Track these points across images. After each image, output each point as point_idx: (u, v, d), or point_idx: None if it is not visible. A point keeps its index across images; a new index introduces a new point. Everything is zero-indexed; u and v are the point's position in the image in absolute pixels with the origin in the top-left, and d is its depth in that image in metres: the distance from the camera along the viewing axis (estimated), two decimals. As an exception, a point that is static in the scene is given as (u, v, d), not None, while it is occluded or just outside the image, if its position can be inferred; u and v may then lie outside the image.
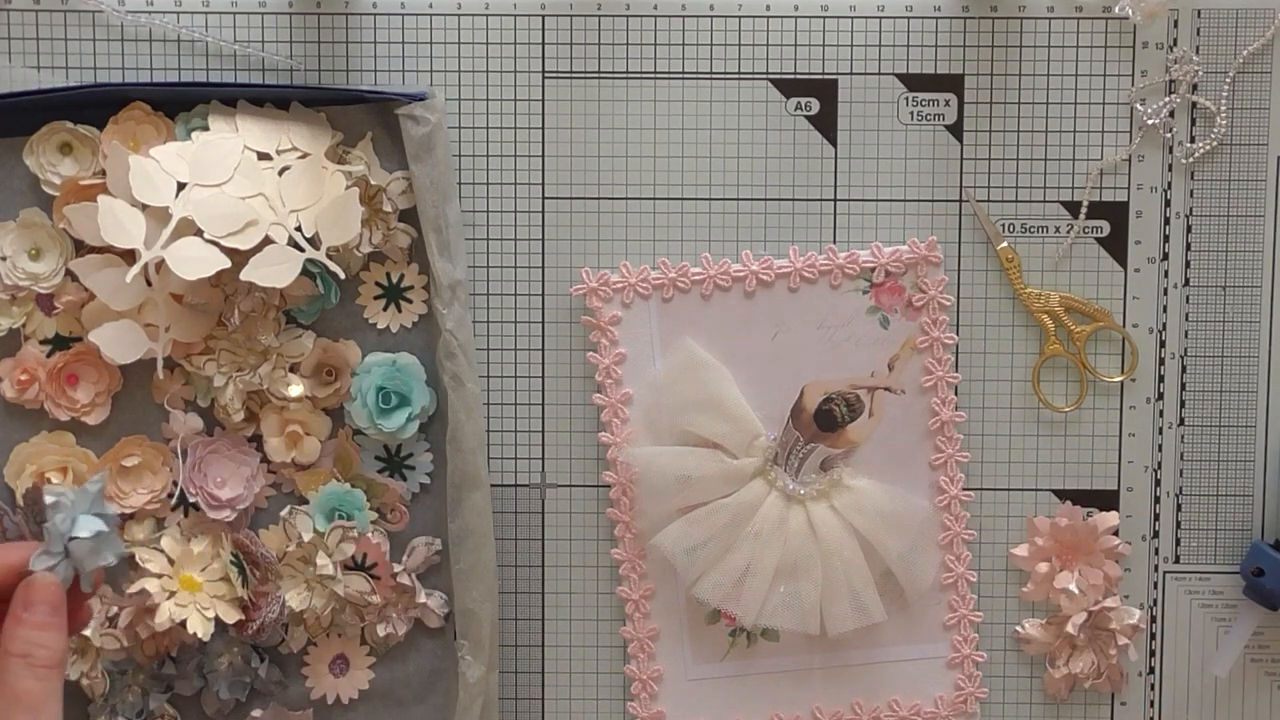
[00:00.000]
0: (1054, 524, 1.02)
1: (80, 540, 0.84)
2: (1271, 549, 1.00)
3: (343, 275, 0.96)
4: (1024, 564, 1.03)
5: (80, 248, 0.98)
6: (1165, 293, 1.02)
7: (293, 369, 0.99)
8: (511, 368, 1.02)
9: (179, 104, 0.98)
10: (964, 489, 1.02)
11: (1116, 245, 1.02)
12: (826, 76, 1.00)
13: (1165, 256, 1.02)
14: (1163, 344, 1.02)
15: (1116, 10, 0.99)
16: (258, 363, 0.98)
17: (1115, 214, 1.01)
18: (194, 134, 0.97)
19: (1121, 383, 1.02)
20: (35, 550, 0.84)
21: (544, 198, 1.01)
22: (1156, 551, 1.03)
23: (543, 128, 1.01)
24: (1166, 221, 1.01)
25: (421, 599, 1.00)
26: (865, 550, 1.00)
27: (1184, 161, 1.01)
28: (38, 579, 0.83)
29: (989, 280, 1.02)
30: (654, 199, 1.01)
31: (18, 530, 0.99)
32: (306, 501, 1.00)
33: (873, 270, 1.01)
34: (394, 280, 1.00)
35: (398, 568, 1.00)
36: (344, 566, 0.98)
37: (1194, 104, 1.00)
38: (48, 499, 0.85)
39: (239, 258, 0.94)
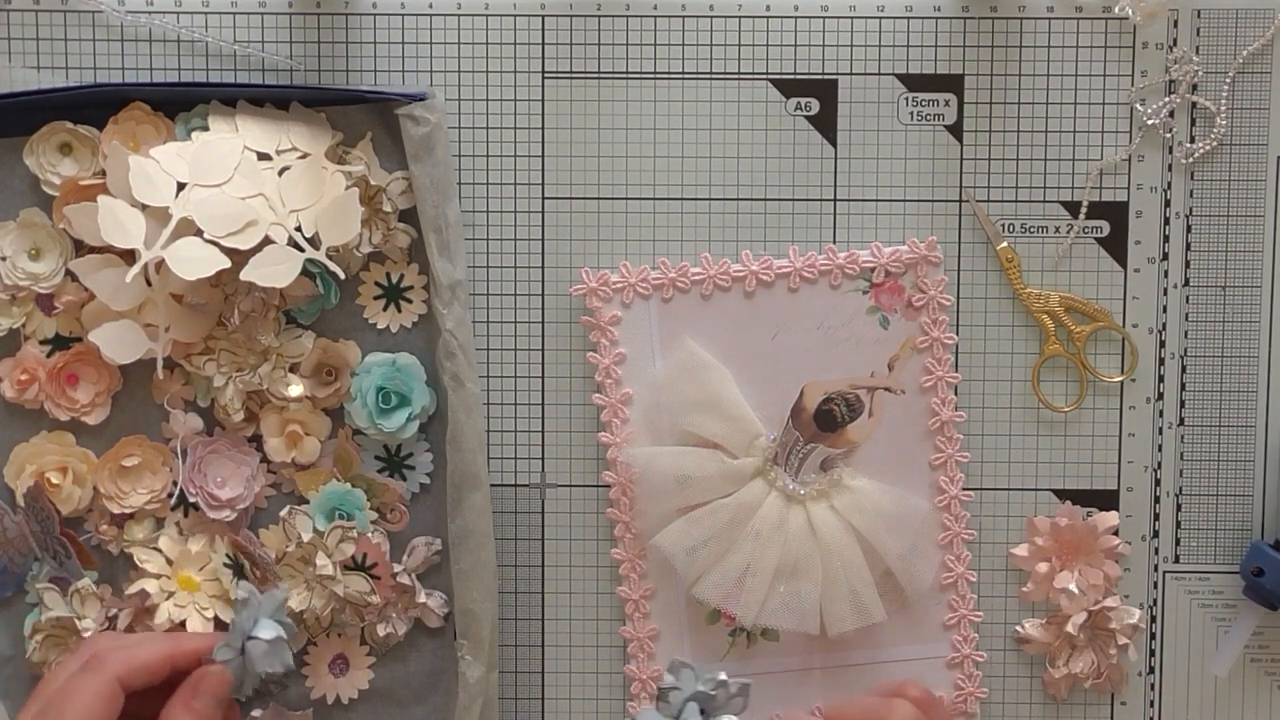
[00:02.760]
0: (1054, 524, 1.02)
1: (258, 641, 0.89)
2: (1271, 549, 1.00)
3: (343, 275, 0.96)
4: (1024, 564, 1.03)
5: (80, 248, 0.98)
6: (1165, 293, 1.02)
7: (293, 369, 0.99)
8: (511, 368, 1.02)
9: (179, 104, 0.98)
10: (964, 489, 1.02)
11: (1116, 245, 1.02)
12: (826, 76, 1.00)
13: (1165, 256, 1.02)
14: (1163, 344, 1.02)
15: (1116, 10, 0.99)
16: (258, 363, 0.98)
17: (1115, 214, 1.01)
18: (194, 134, 0.97)
19: (1121, 383, 1.02)
20: (219, 641, 0.89)
21: (544, 198, 1.01)
22: (1156, 551, 1.03)
23: (543, 128, 1.01)
24: (1166, 221, 1.01)
25: (421, 599, 1.00)
26: (865, 550, 1.00)
27: (1184, 161, 1.01)
28: (212, 670, 0.89)
29: (989, 280, 1.02)
30: (654, 199, 1.01)
31: (18, 530, 0.99)
32: (306, 501, 1.00)
33: (873, 270, 1.01)
34: (394, 280, 1.00)
35: (398, 568, 1.00)
36: (344, 566, 0.98)
37: (1194, 104, 1.00)
38: (239, 594, 0.91)
39: (239, 258, 0.94)
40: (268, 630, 0.90)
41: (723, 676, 0.90)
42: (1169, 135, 1.01)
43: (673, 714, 0.91)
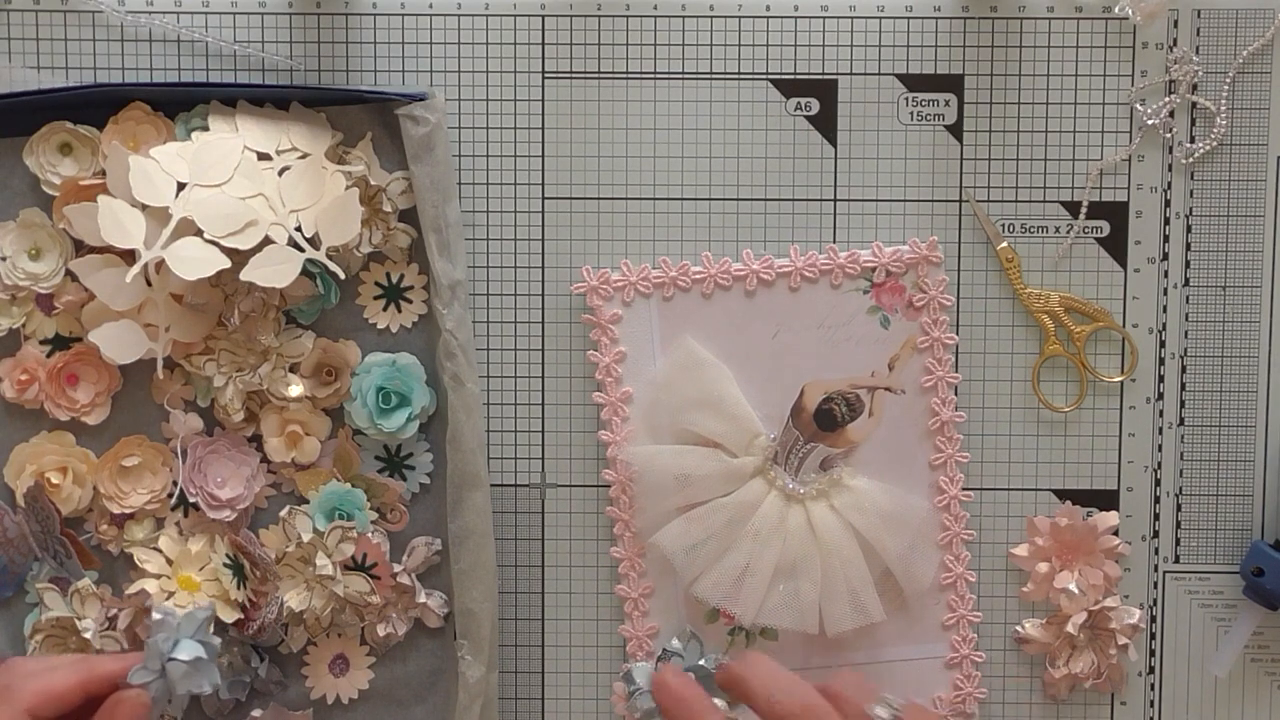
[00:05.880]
0: (1054, 524, 1.02)
1: (177, 662, 0.88)
2: (1271, 549, 1.00)
3: (343, 275, 0.96)
4: (1024, 564, 1.03)
5: (80, 248, 0.98)
6: (1165, 293, 1.02)
7: (293, 369, 0.99)
8: (511, 368, 1.02)
9: (179, 104, 0.98)
10: (964, 489, 1.02)
11: (1116, 245, 1.02)
12: (826, 76, 1.00)
13: (1165, 256, 1.02)
14: (1163, 344, 1.02)
15: (1116, 10, 0.99)
16: (258, 363, 0.98)
17: (1115, 214, 1.01)
18: (194, 134, 0.97)
19: (1121, 383, 1.02)
20: (134, 665, 0.87)
21: (544, 198, 1.01)
22: (1156, 551, 1.03)
23: (543, 128, 1.00)
24: (1166, 221, 1.01)
25: (421, 599, 1.00)
26: (864, 550, 1.00)
27: (1184, 161, 1.01)
28: (127, 696, 0.86)
29: (989, 280, 1.02)
30: (654, 199, 1.01)
31: (18, 530, 0.99)
32: (306, 501, 1.00)
33: (873, 270, 1.01)
34: (394, 280, 1.00)
35: (398, 568, 1.00)
36: (344, 566, 0.99)
37: (1194, 104, 1.00)
38: (155, 616, 0.90)
39: (239, 258, 0.94)
40: (187, 651, 0.89)
41: (726, 660, 0.90)
42: (1169, 135, 1.01)
43: None
